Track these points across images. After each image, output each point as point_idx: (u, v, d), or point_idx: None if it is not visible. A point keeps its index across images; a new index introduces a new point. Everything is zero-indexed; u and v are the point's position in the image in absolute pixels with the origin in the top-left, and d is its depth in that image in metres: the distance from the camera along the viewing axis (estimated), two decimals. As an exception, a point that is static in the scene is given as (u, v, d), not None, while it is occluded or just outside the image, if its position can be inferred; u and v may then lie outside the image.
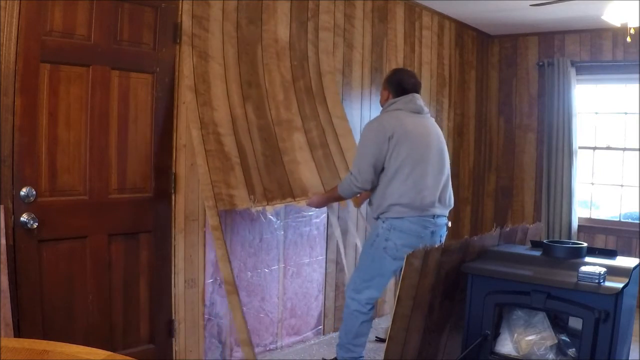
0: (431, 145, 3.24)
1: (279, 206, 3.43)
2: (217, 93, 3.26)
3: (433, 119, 3.42)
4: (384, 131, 3.15)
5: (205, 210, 3.33)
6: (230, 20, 3.39)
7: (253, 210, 3.28)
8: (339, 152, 3.85)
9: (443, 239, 3.29)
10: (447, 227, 3.36)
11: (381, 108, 3.42)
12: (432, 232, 3.21)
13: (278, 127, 3.57)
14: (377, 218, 3.26)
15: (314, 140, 3.74)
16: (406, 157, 3.14)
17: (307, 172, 3.62)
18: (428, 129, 3.29)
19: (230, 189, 3.15)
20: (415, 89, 3.34)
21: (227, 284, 2.97)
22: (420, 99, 3.33)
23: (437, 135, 3.33)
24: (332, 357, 3.58)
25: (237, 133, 3.31)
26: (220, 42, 3.33)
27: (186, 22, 3.16)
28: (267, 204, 3.32)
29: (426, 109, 3.36)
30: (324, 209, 4.12)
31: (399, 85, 3.31)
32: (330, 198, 3.46)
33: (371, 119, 3.48)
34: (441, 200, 3.24)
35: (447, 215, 3.33)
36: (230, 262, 3.00)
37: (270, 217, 3.75)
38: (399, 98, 3.29)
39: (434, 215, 3.20)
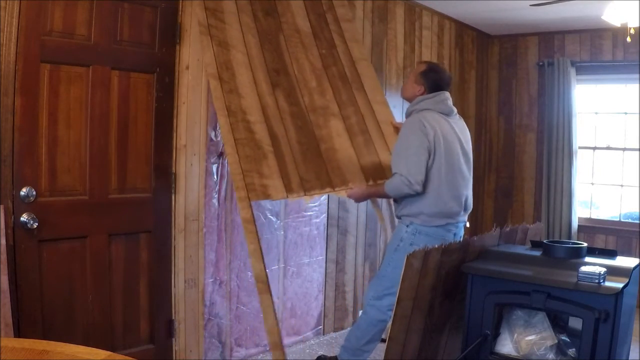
0: (460, 152, 3.20)
1: (317, 196, 3.18)
2: (243, 81, 3.09)
3: (462, 119, 3.35)
4: (426, 135, 3.07)
5: (205, 210, 3.33)
6: (246, 12, 3.31)
7: (290, 200, 3.05)
8: (380, 138, 3.64)
9: (461, 240, 3.27)
10: (465, 227, 3.33)
11: (406, 100, 3.33)
12: (455, 234, 3.20)
13: (313, 114, 3.36)
14: (400, 218, 3.21)
15: (353, 127, 3.53)
16: (439, 165, 3.09)
17: (346, 161, 3.39)
18: (457, 134, 3.22)
19: (263, 178, 2.92)
20: (449, 85, 3.29)
21: (259, 282, 2.77)
22: (450, 99, 3.26)
23: (465, 141, 3.26)
24: (332, 356, 3.58)
25: (269, 120, 3.09)
26: (240, 32, 3.20)
27: (200, 14, 3.07)
28: (305, 195, 3.09)
29: (455, 110, 3.29)
30: (324, 209, 4.12)
31: (435, 82, 3.23)
32: (373, 193, 3.32)
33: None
34: (465, 207, 3.23)
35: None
36: (263, 258, 2.79)
37: (270, 217, 3.75)
38: (430, 95, 3.20)
39: (457, 221, 3.21)
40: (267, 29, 3.38)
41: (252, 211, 2.80)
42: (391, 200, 3.58)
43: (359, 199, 3.33)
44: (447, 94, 3.26)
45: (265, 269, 2.78)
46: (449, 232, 3.16)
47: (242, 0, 3.30)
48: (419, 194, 3.08)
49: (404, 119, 3.51)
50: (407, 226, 3.16)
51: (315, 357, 3.67)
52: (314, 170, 3.19)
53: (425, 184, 3.07)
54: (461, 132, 3.27)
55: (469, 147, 3.29)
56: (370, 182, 3.38)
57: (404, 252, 3.05)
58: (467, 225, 3.37)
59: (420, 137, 3.07)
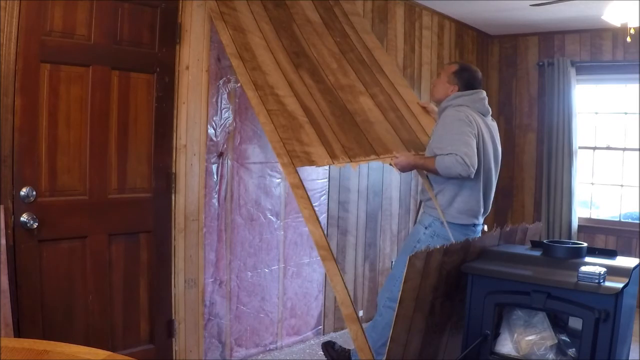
0: (492, 155, 3.17)
1: (364, 163, 3.08)
2: (264, 60, 3.00)
3: (494, 122, 3.31)
4: (474, 127, 2.98)
5: (205, 210, 3.33)
6: (256, 2, 3.31)
7: (337, 166, 2.94)
8: (412, 116, 3.55)
9: None
10: (483, 230, 3.29)
11: (438, 102, 3.25)
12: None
13: (341, 91, 3.25)
14: (424, 209, 3.15)
15: (382, 104, 3.44)
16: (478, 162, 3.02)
17: (384, 132, 3.25)
18: (492, 136, 3.18)
19: (304, 146, 2.78)
20: (481, 85, 3.24)
21: (320, 249, 2.57)
22: (487, 98, 3.20)
23: (498, 144, 3.23)
24: (346, 349, 3.39)
25: (298, 95, 2.97)
26: (253, 20, 3.17)
27: (211, 2, 3.04)
28: (350, 161, 2.95)
29: (490, 110, 3.25)
30: (324, 209, 4.12)
31: (469, 81, 3.18)
32: (420, 165, 3.13)
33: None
34: (485, 209, 3.21)
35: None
36: (320, 223, 2.62)
37: (270, 217, 3.75)
38: (467, 92, 3.15)
39: (475, 224, 3.18)
40: (279, 17, 3.35)
41: (299, 176, 2.64)
42: (419, 187, 3.46)
43: (405, 168, 3.18)
44: (484, 93, 3.20)
45: (325, 235, 2.61)
46: (465, 237, 3.09)
47: None
48: (457, 186, 3.01)
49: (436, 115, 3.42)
50: (426, 228, 3.12)
51: (315, 358, 3.66)
52: (355, 139, 3.05)
53: (462, 181, 2.99)
54: (495, 135, 3.22)
55: (499, 152, 3.25)
56: (415, 153, 3.25)
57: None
58: (485, 228, 3.30)
59: (469, 124, 2.98)
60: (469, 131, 2.97)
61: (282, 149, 2.67)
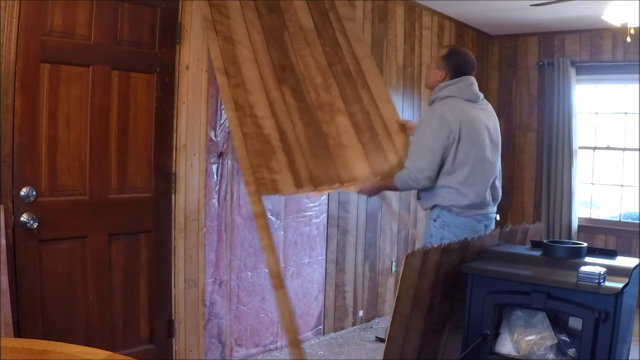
0: (487, 140, 3.08)
1: (327, 192, 3.18)
2: (249, 76, 3.05)
3: (489, 105, 3.23)
4: (447, 126, 2.96)
5: (205, 210, 3.33)
6: (250, 8, 3.29)
7: (301, 195, 3.03)
8: (386, 135, 3.58)
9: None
10: (496, 220, 3.24)
11: (431, 89, 3.22)
12: (485, 226, 3.12)
13: (320, 111, 3.32)
14: (428, 210, 3.14)
15: (359, 123, 3.47)
16: (466, 155, 3.00)
17: (353, 156, 3.32)
18: (484, 121, 3.10)
19: (272, 173, 2.87)
20: (474, 69, 3.15)
21: (272, 277, 2.66)
22: (476, 83, 3.13)
23: (493, 128, 3.15)
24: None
25: (276, 116, 3.05)
26: (245, 29, 3.18)
27: (205, 9, 3.04)
28: (315, 190, 3.04)
29: (481, 95, 3.16)
30: (324, 209, 4.12)
31: (458, 66, 3.09)
32: (383, 187, 3.20)
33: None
34: (493, 197, 3.15)
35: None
36: (275, 253, 2.73)
37: (271, 217, 3.75)
38: (453, 81, 3.07)
39: (488, 212, 3.13)
40: (272, 25, 3.36)
41: (262, 206, 2.73)
42: (412, 195, 3.47)
43: (370, 193, 3.23)
44: (472, 79, 3.11)
45: (278, 264, 2.71)
46: (479, 223, 3.07)
47: None
48: (444, 188, 3.00)
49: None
50: (435, 220, 3.07)
51: (315, 358, 3.66)
52: (323, 165, 3.12)
53: (451, 176, 2.98)
54: (488, 119, 3.13)
55: (497, 134, 3.17)
56: (379, 178, 3.30)
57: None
58: (498, 217, 3.26)
59: (438, 129, 2.96)
60: (434, 139, 2.97)
61: (250, 176, 2.77)
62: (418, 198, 3.23)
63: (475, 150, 3.03)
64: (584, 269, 2.49)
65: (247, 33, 3.18)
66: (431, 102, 3.16)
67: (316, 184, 3.03)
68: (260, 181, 2.79)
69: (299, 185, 2.94)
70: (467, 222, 3.05)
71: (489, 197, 3.10)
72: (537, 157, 5.84)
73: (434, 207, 3.10)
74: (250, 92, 3.01)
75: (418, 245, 3.68)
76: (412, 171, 2.98)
